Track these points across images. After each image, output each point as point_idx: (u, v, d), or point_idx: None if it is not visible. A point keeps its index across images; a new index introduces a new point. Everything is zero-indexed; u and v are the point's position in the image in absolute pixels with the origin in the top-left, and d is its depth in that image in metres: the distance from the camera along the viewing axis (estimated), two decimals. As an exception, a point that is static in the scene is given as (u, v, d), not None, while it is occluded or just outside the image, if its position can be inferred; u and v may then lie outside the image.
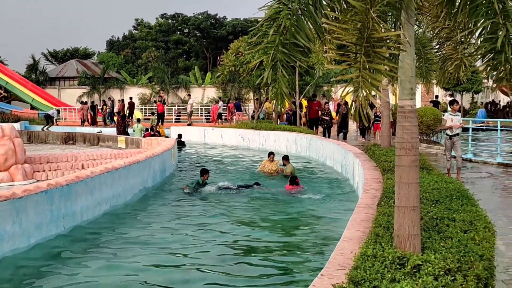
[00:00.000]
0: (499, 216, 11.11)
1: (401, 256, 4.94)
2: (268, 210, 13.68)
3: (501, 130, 21.63)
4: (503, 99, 45.31)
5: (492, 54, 4.49)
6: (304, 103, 32.61)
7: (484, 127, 33.29)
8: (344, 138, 26.28)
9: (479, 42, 4.74)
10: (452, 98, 34.47)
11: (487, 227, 6.15)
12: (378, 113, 25.12)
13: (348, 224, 7.44)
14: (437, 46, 9.57)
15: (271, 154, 19.73)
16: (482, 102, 44.84)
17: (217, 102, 42.73)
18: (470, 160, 20.54)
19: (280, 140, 26.53)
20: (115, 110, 42.70)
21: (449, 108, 15.80)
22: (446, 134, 15.64)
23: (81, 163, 20.48)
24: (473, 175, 17.25)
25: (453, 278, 4.54)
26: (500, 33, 4.24)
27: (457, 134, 15.48)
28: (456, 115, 15.57)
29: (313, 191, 15.61)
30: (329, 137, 25.80)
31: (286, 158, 18.96)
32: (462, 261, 4.89)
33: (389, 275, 4.52)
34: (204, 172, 16.57)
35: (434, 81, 17.51)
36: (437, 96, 40.27)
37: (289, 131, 26.60)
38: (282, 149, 25.48)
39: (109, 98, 48.74)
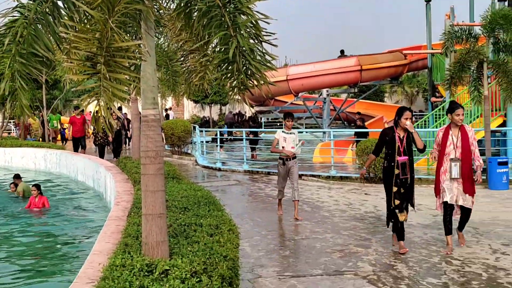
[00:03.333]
0: (246, 220, 11.76)
1: (150, 263, 5.00)
2: (10, 230, 12.90)
3: (246, 139, 22.93)
4: (248, 110, 48.07)
5: (226, 64, 4.77)
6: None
7: (232, 138, 35.01)
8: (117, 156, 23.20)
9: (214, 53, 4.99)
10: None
11: (231, 229, 6.46)
12: None
13: (98, 237, 7.34)
14: (181, 59, 9.83)
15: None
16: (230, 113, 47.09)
17: None
18: (219, 169, 21.46)
19: (28, 157, 25.23)
20: None
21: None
22: (279, 158, 12.06)
23: None
24: (222, 182, 18.06)
25: (199, 279, 4.71)
26: (231, 45, 4.52)
27: (294, 157, 12.02)
28: (290, 133, 12.01)
29: (63, 207, 15.13)
30: (102, 157, 22.62)
31: (17, 176, 17.54)
32: (208, 263, 5.09)
33: (138, 282, 4.56)
34: None
35: (186, 94, 17.95)
36: (169, 109, 41.80)
37: (38, 147, 25.44)
38: (30, 166, 24.32)
39: None
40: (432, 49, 25.97)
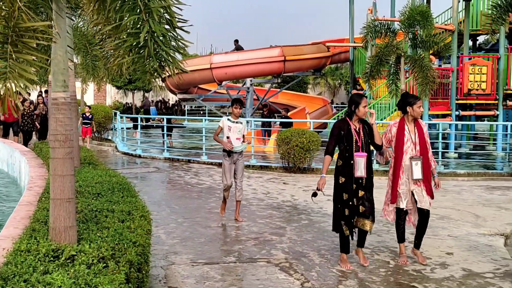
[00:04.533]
0: (163, 207, 11.71)
1: (56, 248, 4.92)
2: None
3: (169, 126, 22.84)
4: (172, 98, 47.70)
5: (138, 49, 4.73)
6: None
7: (155, 124, 34.71)
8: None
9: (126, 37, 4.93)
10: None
11: (143, 216, 6.43)
12: (88, 114, 23.69)
13: (6, 222, 7.15)
14: (100, 42, 9.64)
15: None
16: (152, 101, 46.60)
17: None
18: (140, 156, 21.25)
19: None
20: None
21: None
22: (223, 151, 10.53)
23: None
24: (142, 169, 17.90)
25: (105, 265, 4.67)
26: (143, 29, 4.48)
27: (241, 152, 10.60)
28: (237, 122, 10.48)
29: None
30: (26, 144, 21.42)
31: None
32: (116, 248, 5.05)
33: (42, 268, 4.48)
34: None
35: (105, 79, 17.64)
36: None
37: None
38: None
39: None
40: (355, 42, 26.47)
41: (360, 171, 7.44)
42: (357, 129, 7.59)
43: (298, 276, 7.29)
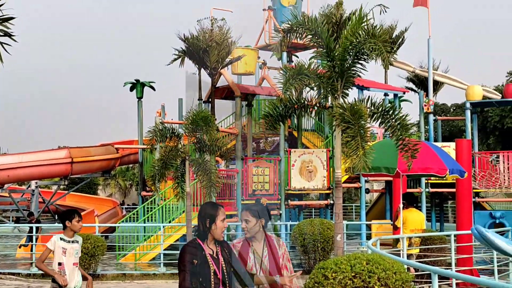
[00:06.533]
0: None
1: None
2: None
3: None
4: None
5: None
6: None
7: None
8: None
9: None
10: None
11: None
12: None
13: None
14: None
15: None
16: None
17: None
18: None
19: None
20: None
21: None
22: (54, 281, 7.69)
23: None
24: None
25: None
26: None
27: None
28: (73, 242, 7.96)
29: None
30: None
31: None
32: None
33: None
34: None
35: None
36: None
37: None
38: None
39: None
40: (144, 144, 26.63)
41: None
42: (214, 254, 5.25)
43: None
